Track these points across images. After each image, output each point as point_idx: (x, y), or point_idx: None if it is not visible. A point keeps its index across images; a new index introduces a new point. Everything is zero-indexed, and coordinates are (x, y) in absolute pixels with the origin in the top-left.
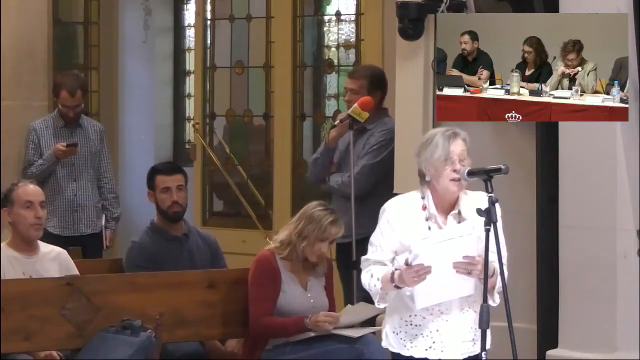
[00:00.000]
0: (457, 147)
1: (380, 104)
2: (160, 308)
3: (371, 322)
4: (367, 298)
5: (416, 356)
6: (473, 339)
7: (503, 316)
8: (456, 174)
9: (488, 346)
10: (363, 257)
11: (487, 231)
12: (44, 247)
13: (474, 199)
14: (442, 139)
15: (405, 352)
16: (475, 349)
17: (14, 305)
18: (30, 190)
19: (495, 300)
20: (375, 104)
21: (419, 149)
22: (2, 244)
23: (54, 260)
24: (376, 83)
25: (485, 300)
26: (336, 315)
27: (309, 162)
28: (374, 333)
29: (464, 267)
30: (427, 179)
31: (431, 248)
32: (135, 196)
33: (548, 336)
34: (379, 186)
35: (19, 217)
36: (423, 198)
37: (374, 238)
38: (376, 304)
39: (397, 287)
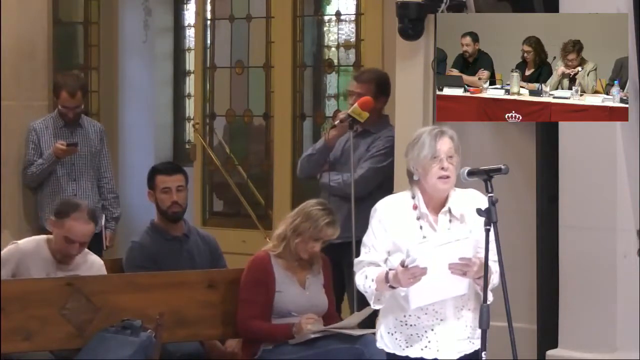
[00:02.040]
0: (444, 145)
1: (382, 109)
2: (160, 308)
3: (371, 323)
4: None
5: (412, 356)
6: (469, 338)
7: (503, 316)
8: (444, 171)
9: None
10: (356, 260)
11: (487, 231)
12: (81, 257)
13: (464, 196)
14: (429, 137)
15: (400, 353)
16: (472, 348)
17: (14, 305)
18: (80, 229)
19: (488, 299)
20: (379, 109)
21: (407, 148)
22: (43, 237)
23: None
24: (382, 87)
25: (485, 300)
26: (315, 317)
27: (300, 158)
28: (374, 334)
29: (460, 268)
30: (416, 178)
31: (429, 252)
32: (135, 196)
33: (548, 336)
34: (377, 190)
35: (58, 241)
36: (413, 197)
37: (366, 239)
38: (372, 305)
39: (392, 287)
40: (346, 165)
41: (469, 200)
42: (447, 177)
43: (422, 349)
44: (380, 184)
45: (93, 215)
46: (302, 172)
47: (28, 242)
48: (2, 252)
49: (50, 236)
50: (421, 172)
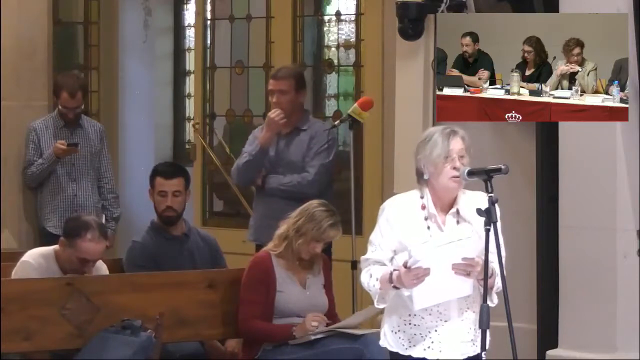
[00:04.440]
0: (456, 144)
1: (303, 104)
2: (160, 308)
3: (371, 321)
4: None
5: (414, 356)
6: (472, 340)
7: (503, 316)
8: (456, 171)
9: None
10: (362, 257)
11: (487, 231)
12: None
13: (473, 198)
14: (441, 137)
15: (403, 352)
16: (474, 350)
17: (14, 305)
18: (93, 249)
19: (493, 301)
20: (301, 104)
21: (417, 147)
22: (51, 252)
23: None
24: (301, 82)
25: (485, 300)
26: (321, 317)
27: (235, 166)
28: (374, 333)
29: (463, 268)
30: (426, 177)
31: (431, 252)
32: (135, 196)
33: (548, 336)
34: (328, 188)
35: (72, 261)
36: (422, 197)
37: (373, 237)
38: (375, 304)
39: (396, 287)
40: (287, 166)
41: (477, 203)
42: (459, 177)
43: (424, 350)
44: (330, 180)
45: (104, 232)
46: (239, 180)
47: (37, 258)
48: (14, 270)
49: (57, 247)
50: (432, 171)
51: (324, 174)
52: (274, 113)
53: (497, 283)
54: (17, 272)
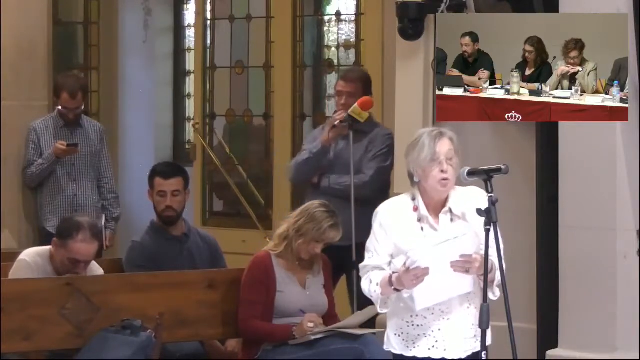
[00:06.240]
0: (444, 147)
1: None
2: (160, 308)
3: (371, 323)
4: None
5: (419, 356)
6: (475, 336)
7: (503, 316)
8: (443, 174)
9: (488, 343)
10: (361, 264)
11: (487, 231)
12: None
13: (464, 194)
14: (428, 139)
15: (407, 353)
16: (478, 346)
17: (14, 305)
18: (84, 250)
19: (495, 294)
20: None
21: (407, 150)
22: (47, 252)
23: None
24: (369, 86)
25: (485, 300)
26: (317, 318)
27: (294, 162)
28: (374, 334)
29: (461, 265)
30: (416, 180)
31: (428, 251)
32: (135, 196)
33: (548, 336)
34: (378, 192)
35: (64, 262)
36: (414, 199)
37: (369, 243)
38: (378, 309)
39: (397, 289)
40: (343, 167)
41: (470, 198)
42: (447, 179)
43: (429, 349)
44: (387, 185)
45: (96, 233)
46: (297, 177)
47: (34, 256)
48: (12, 268)
49: (52, 248)
50: (421, 174)
51: (379, 177)
52: (341, 115)
53: (497, 277)
54: (14, 271)
